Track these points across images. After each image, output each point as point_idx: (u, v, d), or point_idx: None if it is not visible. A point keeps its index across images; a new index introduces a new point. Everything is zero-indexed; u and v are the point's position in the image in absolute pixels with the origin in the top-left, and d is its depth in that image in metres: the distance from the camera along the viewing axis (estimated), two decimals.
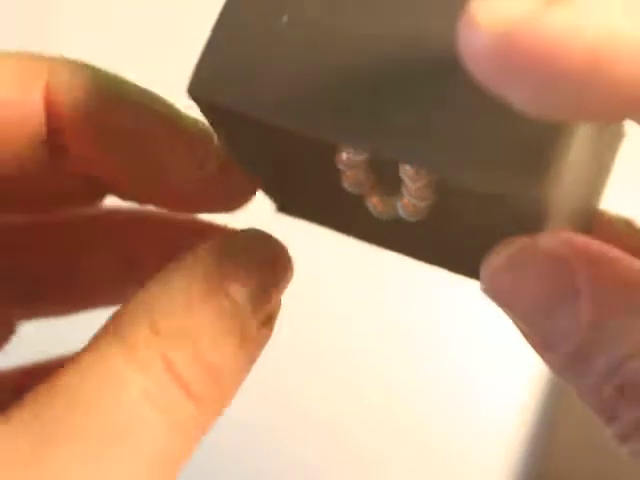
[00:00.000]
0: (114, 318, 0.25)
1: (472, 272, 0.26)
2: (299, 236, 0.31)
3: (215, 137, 0.28)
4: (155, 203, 0.30)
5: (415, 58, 0.24)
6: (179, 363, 0.25)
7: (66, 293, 0.33)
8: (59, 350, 0.32)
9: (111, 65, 0.29)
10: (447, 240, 0.28)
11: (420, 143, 0.24)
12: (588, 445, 0.53)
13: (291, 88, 0.25)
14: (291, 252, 0.28)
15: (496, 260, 0.25)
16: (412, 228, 0.28)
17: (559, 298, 0.24)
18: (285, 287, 0.27)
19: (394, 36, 0.24)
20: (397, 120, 0.24)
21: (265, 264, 0.27)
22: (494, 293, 0.25)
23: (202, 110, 0.26)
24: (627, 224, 0.30)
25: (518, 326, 0.25)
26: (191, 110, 0.27)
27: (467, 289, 0.29)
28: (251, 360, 0.26)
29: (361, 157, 0.26)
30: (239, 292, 0.26)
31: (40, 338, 0.39)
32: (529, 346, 0.25)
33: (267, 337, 0.27)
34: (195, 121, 0.28)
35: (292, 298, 0.28)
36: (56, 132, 0.28)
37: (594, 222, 0.30)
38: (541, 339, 0.24)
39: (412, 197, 0.27)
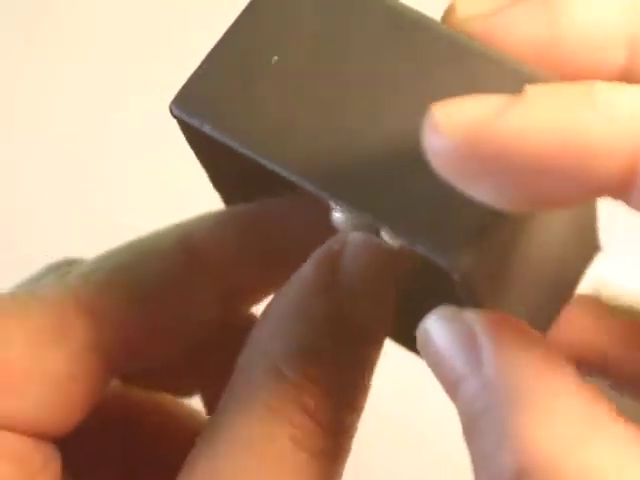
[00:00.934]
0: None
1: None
2: None
3: None
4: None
5: (389, 129, 0.25)
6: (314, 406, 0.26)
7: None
8: None
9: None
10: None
11: (385, 206, 0.25)
12: None
13: (273, 128, 0.26)
14: None
15: (425, 323, 0.25)
16: None
17: (464, 371, 0.24)
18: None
19: (375, 100, 0.26)
20: (363, 175, 0.25)
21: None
22: (423, 353, 0.26)
23: (181, 128, 0.27)
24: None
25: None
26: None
27: None
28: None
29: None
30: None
31: None
32: None
33: None
34: None
35: None
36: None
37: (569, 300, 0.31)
38: (449, 394, 0.25)
39: None
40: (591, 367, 0.32)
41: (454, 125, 0.22)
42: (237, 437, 0.26)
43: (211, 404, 0.33)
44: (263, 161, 0.25)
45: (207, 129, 0.26)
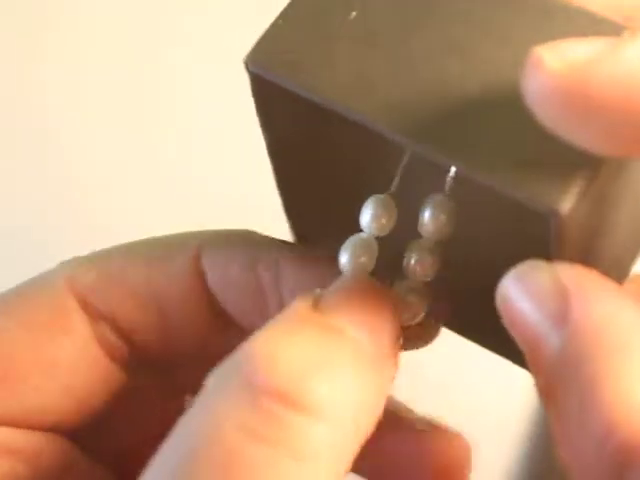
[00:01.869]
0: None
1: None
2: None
3: None
4: None
5: (475, 78, 0.25)
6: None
7: None
8: None
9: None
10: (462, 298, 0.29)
11: (469, 150, 0.24)
12: None
13: (349, 80, 0.25)
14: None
15: (508, 278, 0.24)
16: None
17: (551, 324, 0.23)
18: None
19: (459, 53, 0.25)
20: (449, 127, 0.24)
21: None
22: (502, 309, 0.25)
23: (253, 84, 0.26)
24: None
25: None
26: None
27: None
28: (377, 384, 0.25)
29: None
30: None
31: None
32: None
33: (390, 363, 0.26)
34: None
35: None
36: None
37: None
38: (530, 360, 0.24)
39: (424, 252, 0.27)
40: None
41: (561, 63, 0.21)
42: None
43: None
44: (346, 113, 0.25)
45: (287, 84, 0.25)
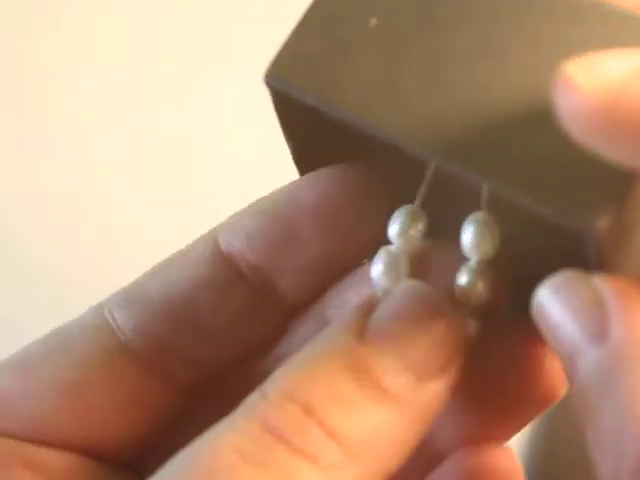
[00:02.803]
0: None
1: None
2: None
3: None
4: None
5: (504, 88, 0.24)
6: (281, 423, 0.24)
7: None
8: None
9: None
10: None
11: (508, 171, 0.23)
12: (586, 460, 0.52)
13: (375, 94, 0.24)
14: None
15: (545, 288, 0.24)
16: None
17: (588, 338, 0.23)
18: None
19: (486, 58, 0.24)
20: (479, 141, 0.24)
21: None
22: (538, 318, 0.24)
23: (274, 99, 0.26)
24: None
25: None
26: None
27: None
28: (406, 426, 0.24)
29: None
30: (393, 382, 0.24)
31: None
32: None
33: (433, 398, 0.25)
34: None
35: None
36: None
37: None
38: (565, 369, 0.24)
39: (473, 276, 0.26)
40: None
41: (595, 83, 0.21)
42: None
43: None
44: (373, 131, 0.24)
45: (309, 100, 0.24)
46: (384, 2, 0.25)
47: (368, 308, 0.25)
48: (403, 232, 0.27)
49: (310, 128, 0.26)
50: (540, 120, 0.23)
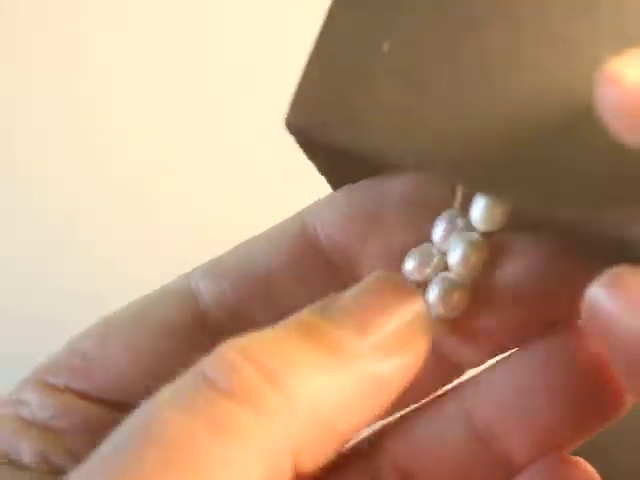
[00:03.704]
0: None
1: None
2: None
3: None
4: None
5: (530, 101, 0.23)
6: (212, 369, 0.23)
7: None
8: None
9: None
10: None
11: (556, 194, 0.23)
12: (587, 446, 0.53)
13: (398, 123, 0.23)
14: None
15: (596, 292, 0.23)
16: None
17: None
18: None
19: (505, 69, 0.23)
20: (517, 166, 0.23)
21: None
22: (593, 326, 0.23)
23: (298, 139, 0.25)
24: None
25: (616, 361, 0.24)
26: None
27: None
28: (360, 391, 0.24)
29: None
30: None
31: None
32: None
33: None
34: None
35: None
36: None
37: None
38: (632, 381, 0.23)
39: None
40: None
41: None
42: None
43: None
44: (401, 164, 0.24)
45: (333, 139, 0.24)
46: (392, 24, 0.24)
47: (332, 296, 0.25)
48: (416, 270, 0.27)
49: (337, 157, 0.25)
50: (569, 132, 0.23)
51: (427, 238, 0.27)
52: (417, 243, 0.27)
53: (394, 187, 0.27)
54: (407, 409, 0.29)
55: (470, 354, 0.28)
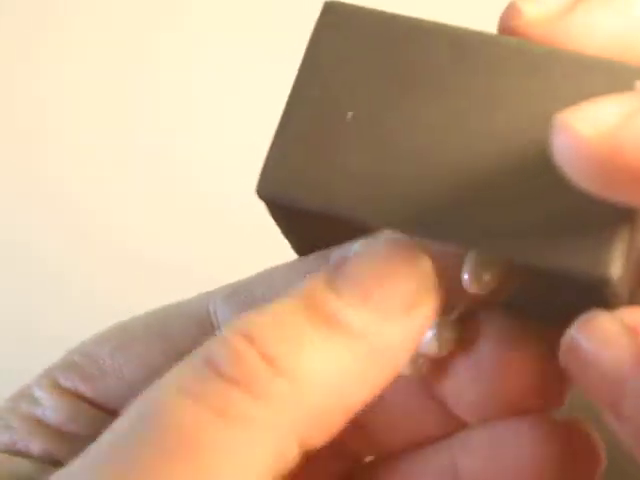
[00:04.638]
0: None
1: None
2: None
3: None
4: None
5: (485, 154, 0.25)
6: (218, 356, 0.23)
7: None
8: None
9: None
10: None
11: (500, 236, 0.24)
12: None
13: (364, 185, 0.25)
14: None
15: (573, 334, 0.24)
16: None
17: (630, 366, 0.23)
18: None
19: (461, 129, 0.25)
20: (472, 213, 0.24)
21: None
22: (571, 367, 0.24)
23: (269, 207, 0.26)
24: None
25: (594, 399, 0.24)
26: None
27: None
28: (358, 363, 0.24)
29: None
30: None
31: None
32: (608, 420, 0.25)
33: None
34: None
35: None
36: None
37: None
38: (614, 411, 0.24)
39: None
40: None
41: (593, 126, 0.22)
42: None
43: None
44: (368, 222, 0.25)
45: (303, 205, 0.25)
46: (355, 94, 0.25)
47: (340, 261, 0.25)
48: None
49: (306, 222, 0.27)
50: (521, 178, 0.24)
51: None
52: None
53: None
54: (403, 450, 0.30)
55: (470, 412, 0.28)
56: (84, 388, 0.29)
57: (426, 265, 0.25)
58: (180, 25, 0.61)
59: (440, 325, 0.27)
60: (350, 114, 0.25)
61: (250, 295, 0.29)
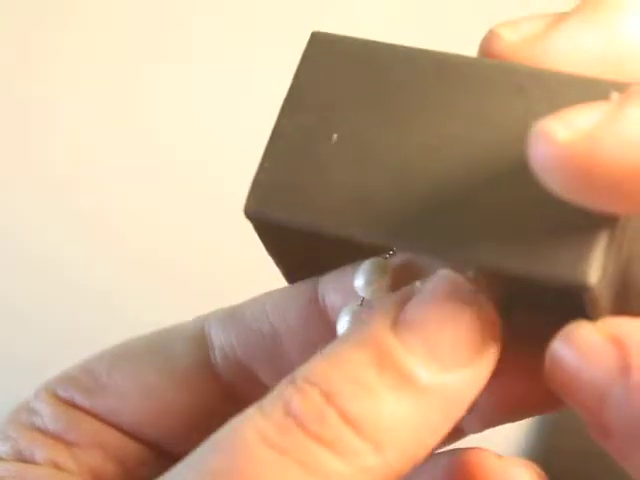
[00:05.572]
0: None
1: None
2: None
3: None
4: None
5: (468, 170, 0.25)
6: (301, 408, 0.24)
7: None
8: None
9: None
10: None
11: (483, 246, 0.25)
12: (589, 449, 0.53)
13: (348, 203, 0.26)
14: None
15: (555, 347, 0.24)
16: None
17: (611, 379, 0.23)
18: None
19: (444, 146, 0.25)
20: (449, 224, 0.25)
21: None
22: (555, 381, 0.24)
23: (256, 227, 0.27)
24: None
25: (579, 413, 0.24)
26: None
27: None
28: (430, 416, 0.25)
29: None
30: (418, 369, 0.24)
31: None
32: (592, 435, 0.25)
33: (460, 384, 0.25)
34: None
35: None
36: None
37: None
38: (599, 426, 0.24)
39: None
40: None
41: (570, 133, 0.22)
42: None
43: None
44: (352, 238, 0.26)
45: (289, 224, 0.26)
46: (340, 117, 0.26)
47: (403, 297, 0.25)
48: (367, 285, 0.28)
49: (293, 242, 0.28)
50: (500, 189, 0.24)
51: None
52: None
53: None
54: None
55: (470, 422, 0.28)
56: (81, 400, 0.30)
57: (489, 311, 0.25)
58: (180, 25, 0.61)
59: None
60: (335, 136, 0.26)
61: (242, 319, 0.30)
